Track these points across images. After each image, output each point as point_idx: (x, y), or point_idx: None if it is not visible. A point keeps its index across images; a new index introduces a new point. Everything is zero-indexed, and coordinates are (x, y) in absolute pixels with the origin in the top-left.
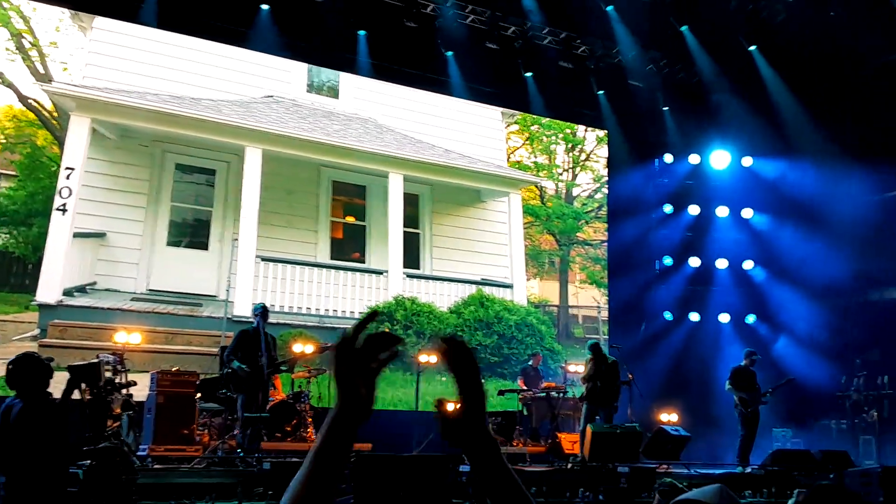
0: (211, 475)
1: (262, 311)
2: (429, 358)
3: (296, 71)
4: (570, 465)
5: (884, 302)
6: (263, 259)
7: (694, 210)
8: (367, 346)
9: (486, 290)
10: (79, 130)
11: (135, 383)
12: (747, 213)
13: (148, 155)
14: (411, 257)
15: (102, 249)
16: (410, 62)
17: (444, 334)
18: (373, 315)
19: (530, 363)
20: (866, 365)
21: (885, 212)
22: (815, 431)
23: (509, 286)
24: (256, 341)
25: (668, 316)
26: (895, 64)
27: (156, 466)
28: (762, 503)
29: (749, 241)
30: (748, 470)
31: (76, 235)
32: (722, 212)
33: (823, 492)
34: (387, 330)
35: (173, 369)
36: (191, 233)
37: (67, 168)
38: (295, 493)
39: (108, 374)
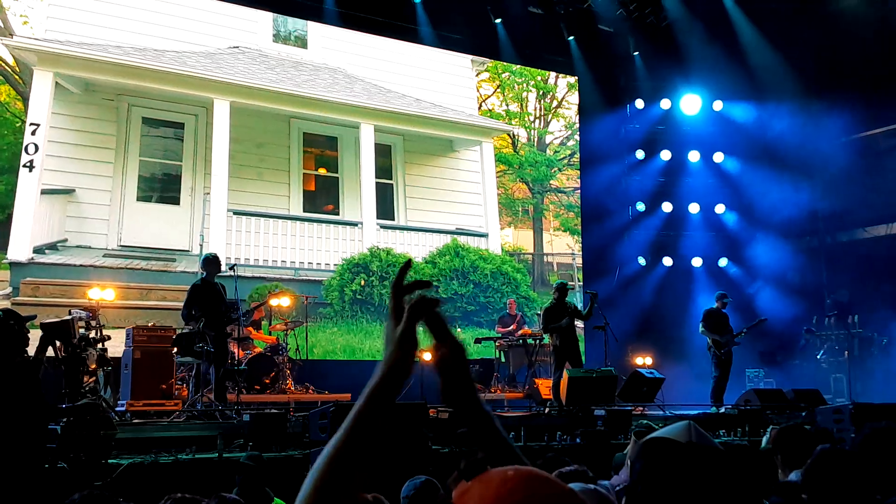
0: (191, 428)
1: (206, 262)
2: None
3: (261, 21)
4: (547, 410)
5: (853, 242)
6: (236, 213)
7: (666, 155)
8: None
9: (461, 239)
10: (42, 85)
11: (109, 338)
12: (718, 157)
13: (114, 109)
14: (385, 208)
15: (72, 206)
16: (379, 10)
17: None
18: (408, 264)
19: (506, 311)
20: (836, 304)
21: (853, 153)
22: (787, 371)
23: (484, 235)
24: (210, 293)
25: (641, 261)
26: (866, 3)
27: (135, 421)
28: (736, 442)
29: (720, 185)
30: (722, 410)
31: (44, 192)
32: (693, 156)
33: (793, 431)
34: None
35: (149, 324)
36: (161, 188)
37: (32, 124)
38: (332, 453)
39: (81, 331)
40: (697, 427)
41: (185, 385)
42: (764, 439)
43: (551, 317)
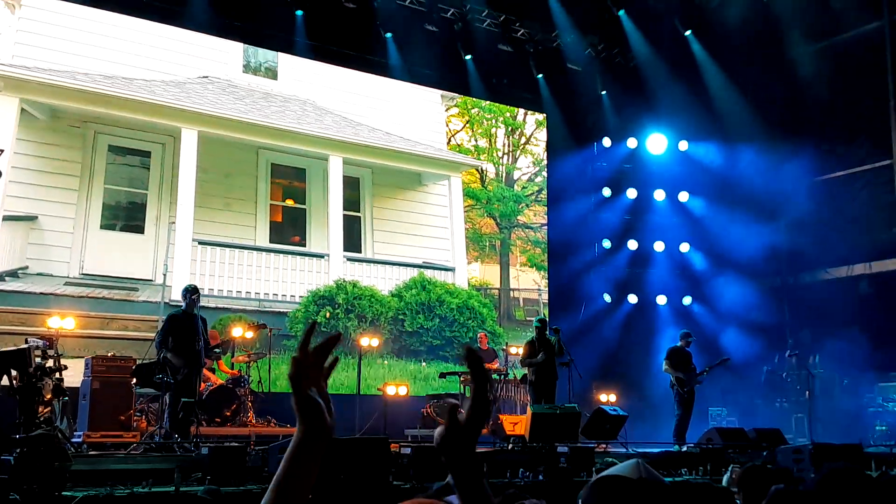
0: (148, 461)
1: (189, 292)
2: (370, 342)
3: (232, 51)
4: (511, 446)
5: (815, 283)
6: (201, 243)
7: (632, 193)
8: (315, 358)
9: (428, 273)
10: (7, 111)
11: (66, 367)
12: (683, 196)
13: (80, 136)
14: (352, 241)
15: (34, 233)
16: (349, 43)
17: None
18: (312, 327)
19: (477, 345)
20: (798, 345)
21: (815, 195)
22: (749, 410)
23: (451, 269)
24: (188, 325)
25: (607, 298)
26: (829, 48)
27: (91, 453)
28: (698, 480)
29: (685, 224)
30: (684, 448)
31: (6, 219)
32: (659, 195)
33: (755, 470)
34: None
35: (109, 354)
36: (125, 216)
37: None
38: None
39: (38, 360)
40: (646, 464)
41: (143, 417)
42: (725, 478)
43: (531, 352)
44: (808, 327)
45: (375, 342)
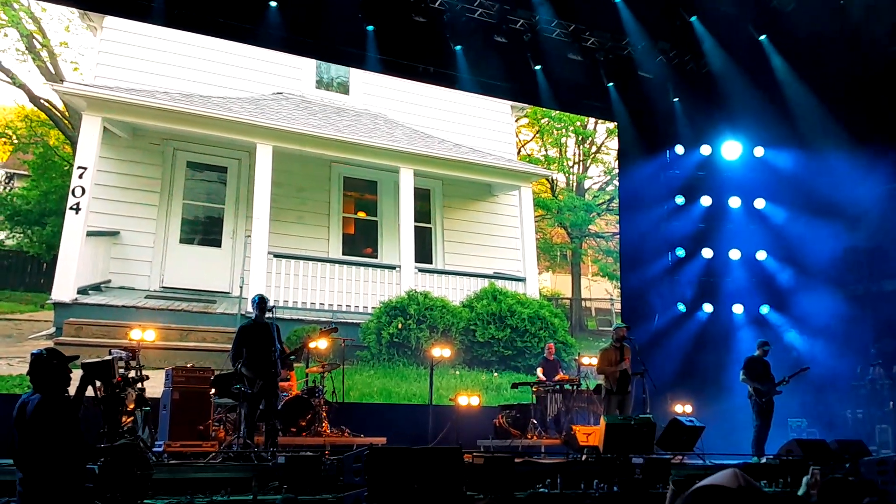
0: (226, 469)
1: (259, 301)
2: (442, 352)
3: (305, 67)
4: (584, 457)
5: None
6: (276, 255)
7: (706, 201)
8: None
9: (499, 283)
10: (90, 130)
11: (147, 378)
12: (760, 203)
13: (159, 153)
14: (423, 252)
15: (116, 248)
16: (419, 57)
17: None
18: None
19: (544, 355)
20: (881, 353)
21: (894, 199)
22: (830, 421)
23: (522, 279)
24: (261, 334)
25: (681, 307)
26: None
27: (171, 462)
28: (778, 493)
29: (762, 232)
30: (763, 460)
31: (90, 234)
32: (734, 202)
33: (838, 483)
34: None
35: (188, 365)
36: (203, 230)
37: (80, 167)
38: None
39: (121, 371)
40: (744, 474)
41: (221, 426)
42: (804, 480)
43: (606, 359)
44: (891, 336)
45: (447, 353)
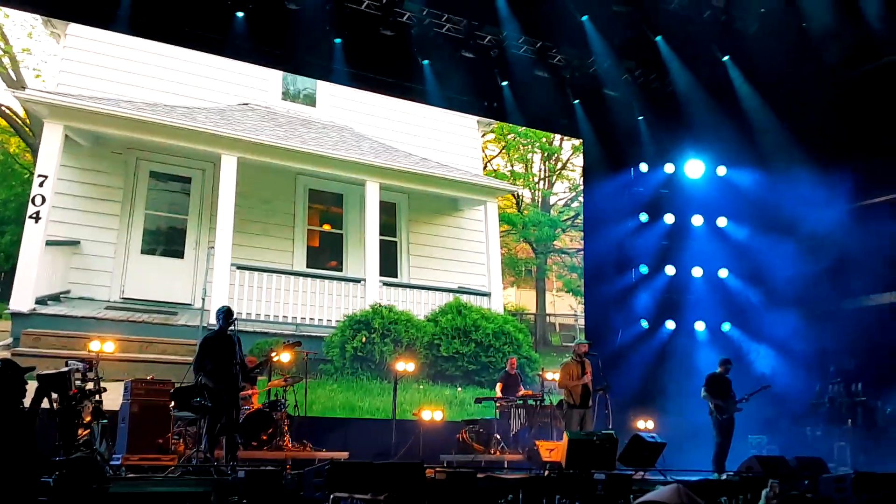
0: (185, 483)
1: (223, 313)
2: (406, 366)
3: (271, 79)
4: (546, 473)
5: (857, 309)
6: (239, 267)
7: (669, 219)
8: None
9: (464, 298)
10: (52, 138)
11: (105, 390)
12: (722, 221)
13: (122, 162)
14: (388, 265)
15: (76, 257)
16: (386, 70)
17: None
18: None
19: (506, 369)
20: (840, 372)
21: (856, 220)
22: (790, 438)
23: (486, 294)
24: (224, 346)
25: (644, 324)
26: (868, 74)
27: (129, 475)
28: None
29: (724, 250)
30: (724, 476)
31: (49, 243)
32: (697, 220)
33: (796, 500)
34: (364, 340)
35: (148, 378)
36: (165, 241)
37: (40, 175)
38: None
39: (78, 383)
40: (688, 491)
41: (181, 440)
42: (762, 498)
43: (568, 374)
44: (850, 354)
45: (411, 367)
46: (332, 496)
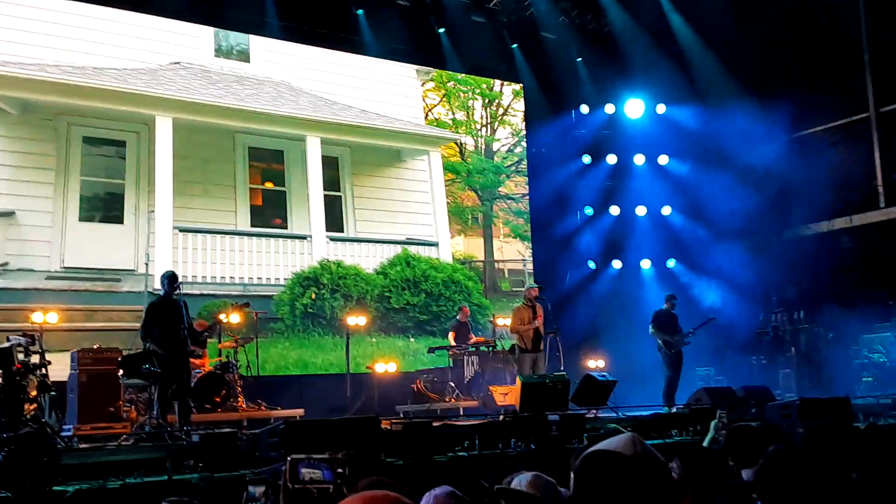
0: (138, 451)
1: (168, 278)
2: (357, 320)
3: (203, 35)
4: (501, 417)
5: (797, 239)
6: (181, 230)
7: (612, 159)
8: None
9: (412, 249)
10: None
11: (50, 363)
12: (663, 159)
13: (53, 129)
14: (334, 220)
15: (11, 229)
16: (321, 22)
17: None
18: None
19: (458, 317)
20: (783, 301)
21: (793, 151)
22: (737, 368)
23: (434, 244)
24: (170, 311)
25: (591, 265)
26: (802, 3)
27: (82, 446)
28: (688, 441)
29: (666, 187)
30: (674, 410)
31: None
32: (639, 160)
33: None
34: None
35: (95, 347)
36: (104, 207)
37: None
38: None
39: (20, 357)
40: (641, 440)
41: (133, 407)
42: (711, 429)
43: (519, 318)
44: (792, 284)
45: (363, 321)
46: (289, 458)
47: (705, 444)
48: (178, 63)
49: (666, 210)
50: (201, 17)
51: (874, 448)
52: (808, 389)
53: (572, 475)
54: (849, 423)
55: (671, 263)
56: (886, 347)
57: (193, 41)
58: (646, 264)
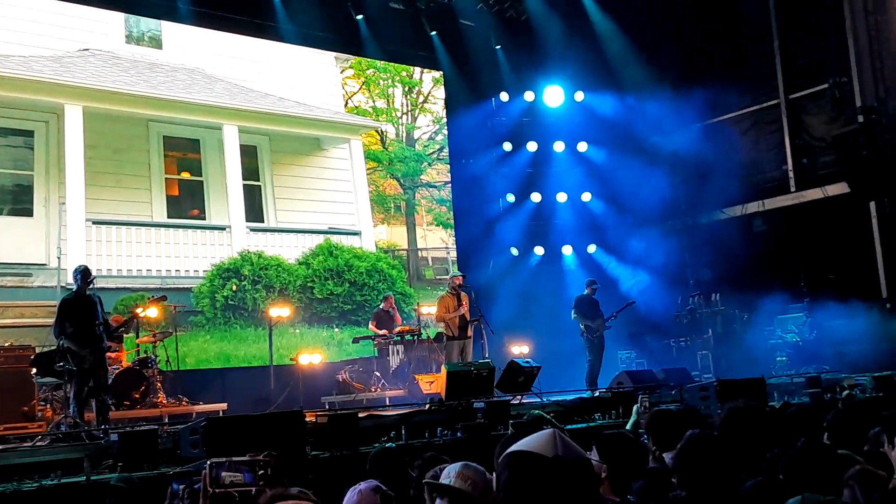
0: (55, 451)
1: (80, 273)
2: (280, 312)
3: (112, 22)
4: (428, 406)
5: (711, 224)
6: (94, 222)
7: (532, 147)
8: None
9: (334, 238)
10: None
11: None
12: (582, 146)
13: None
14: (254, 210)
15: None
16: (235, 8)
17: None
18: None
19: (381, 306)
20: (699, 284)
21: (707, 137)
22: (656, 351)
23: (357, 233)
24: (84, 307)
25: (514, 251)
26: None
27: None
28: (611, 424)
29: (586, 174)
30: (597, 394)
31: None
32: (559, 147)
33: (663, 415)
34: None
35: (6, 344)
36: (12, 199)
37: None
38: None
39: None
40: (562, 436)
41: (48, 406)
42: (633, 413)
43: (444, 307)
44: (707, 267)
45: (286, 312)
46: (208, 461)
47: (629, 427)
48: (87, 50)
49: (586, 196)
50: (111, 3)
51: (786, 428)
52: (725, 370)
53: (495, 476)
54: (764, 403)
55: (592, 249)
56: (799, 328)
57: (103, 27)
58: (567, 250)
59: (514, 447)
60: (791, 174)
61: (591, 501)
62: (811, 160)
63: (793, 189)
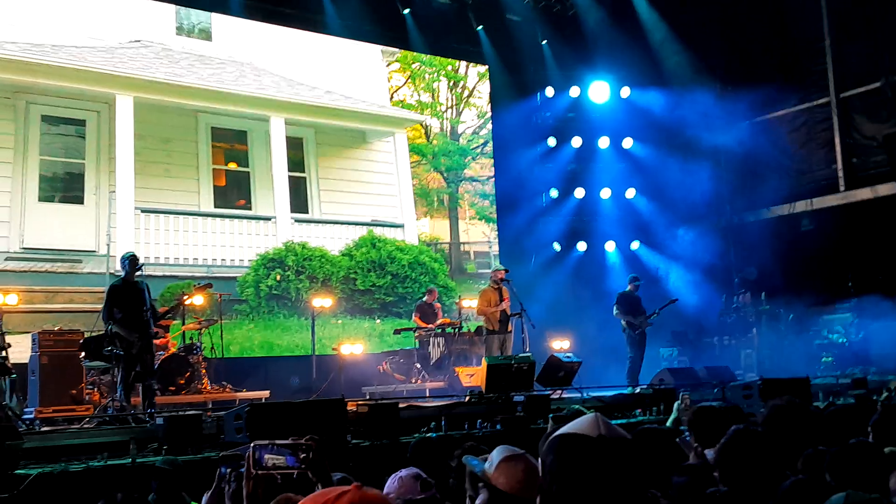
0: (102, 434)
1: (129, 261)
2: (323, 302)
3: (164, 13)
4: (467, 398)
5: (758, 222)
6: (143, 211)
7: (576, 142)
8: None
9: (377, 230)
10: None
11: (9, 345)
12: (627, 142)
13: (11, 107)
14: (299, 202)
15: None
16: (283, 0)
17: None
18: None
19: (424, 299)
20: (745, 283)
21: (755, 135)
22: (699, 349)
23: (400, 226)
24: (131, 294)
25: (556, 247)
26: None
27: (44, 429)
28: (652, 420)
29: (630, 170)
30: (637, 390)
31: None
32: (603, 143)
33: (706, 411)
34: (279, 277)
35: (56, 328)
36: (64, 187)
37: None
38: None
39: None
40: (604, 419)
41: (95, 389)
42: (674, 410)
43: (486, 300)
44: (753, 265)
45: (328, 302)
46: (252, 444)
47: (669, 424)
48: (138, 41)
49: (630, 193)
50: None
51: (831, 428)
52: (769, 370)
53: (539, 460)
54: (808, 402)
55: (635, 245)
56: (845, 328)
57: (154, 19)
58: (610, 246)
59: (559, 431)
60: (840, 173)
61: (636, 479)
62: (861, 159)
63: (842, 188)
